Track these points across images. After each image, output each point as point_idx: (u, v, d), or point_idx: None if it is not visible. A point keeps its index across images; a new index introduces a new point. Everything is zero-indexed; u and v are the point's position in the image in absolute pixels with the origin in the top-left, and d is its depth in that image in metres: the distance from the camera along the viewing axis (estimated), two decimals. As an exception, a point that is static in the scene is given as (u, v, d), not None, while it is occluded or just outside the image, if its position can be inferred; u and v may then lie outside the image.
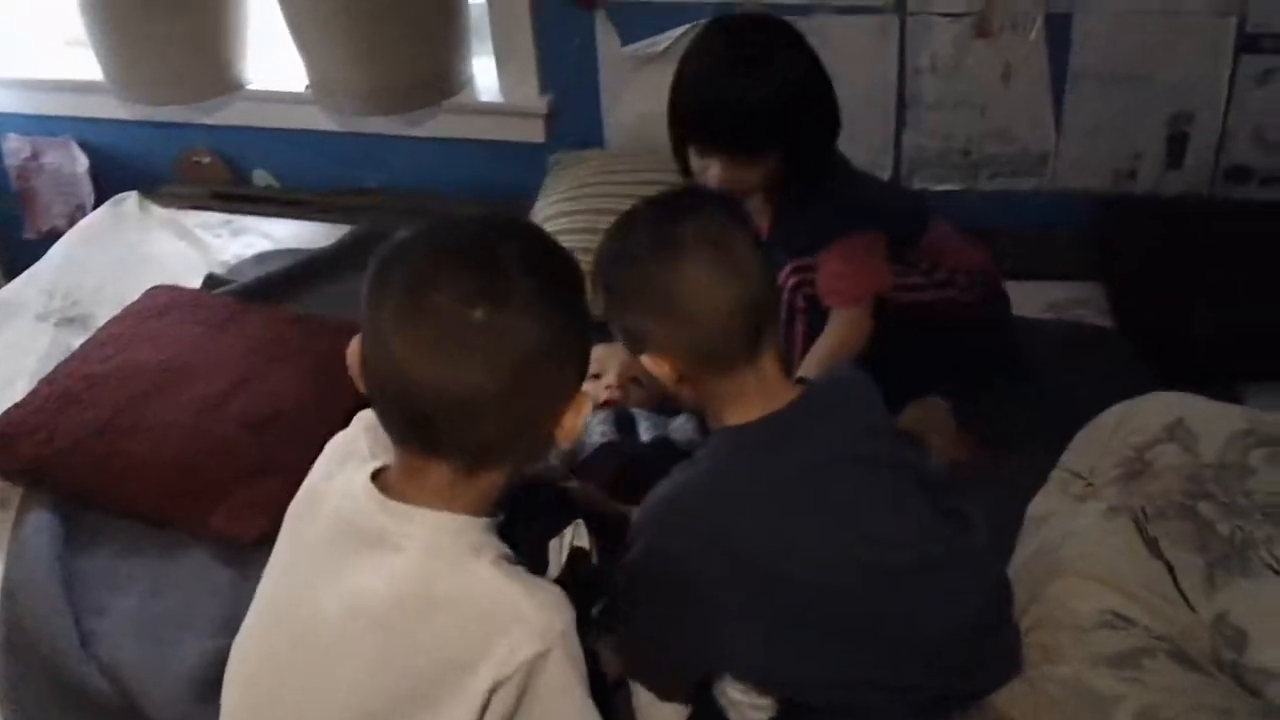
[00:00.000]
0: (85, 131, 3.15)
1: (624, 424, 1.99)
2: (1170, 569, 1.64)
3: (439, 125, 2.91)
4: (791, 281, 1.98)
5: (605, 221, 2.41)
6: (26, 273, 2.76)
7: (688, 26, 2.61)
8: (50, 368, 2.30)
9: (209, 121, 3.06)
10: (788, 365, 1.93)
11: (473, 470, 1.27)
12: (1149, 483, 1.76)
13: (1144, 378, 2.08)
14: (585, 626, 1.35)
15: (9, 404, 2.19)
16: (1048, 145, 2.63)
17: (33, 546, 1.95)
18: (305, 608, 1.30)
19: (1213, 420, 1.83)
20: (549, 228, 2.54)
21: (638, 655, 1.55)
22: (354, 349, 1.30)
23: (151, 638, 1.81)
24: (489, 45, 2.82)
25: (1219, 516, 1.68)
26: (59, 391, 2.18)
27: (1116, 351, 2.28)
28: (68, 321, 2.55)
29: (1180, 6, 2.43)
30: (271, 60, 2.98)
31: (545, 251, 1.31)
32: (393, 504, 1.27)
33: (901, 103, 2.63)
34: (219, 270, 2.70)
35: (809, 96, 1.93)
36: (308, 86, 2.88)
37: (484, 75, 2.88)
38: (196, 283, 2.62)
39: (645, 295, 1.44)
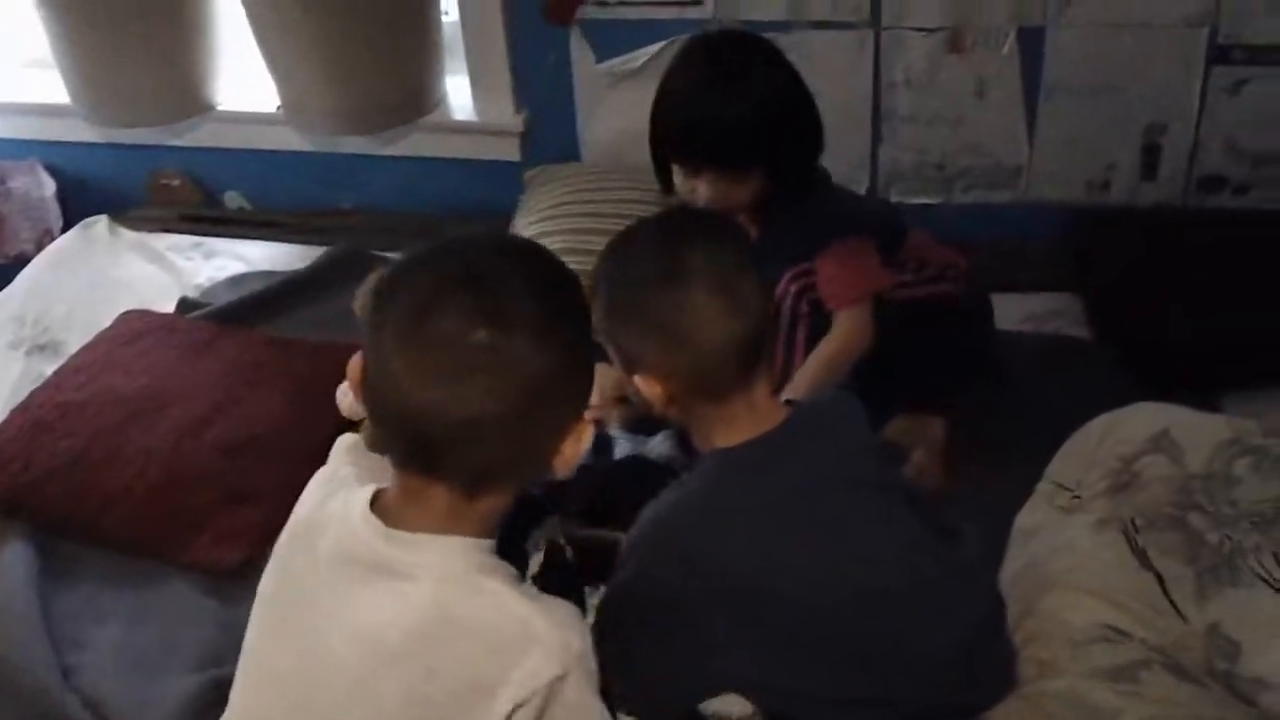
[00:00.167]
0: (52, 155, 3.12)
1: (600, 447, 1.98)
2: (1161, 580, 1.64)
3: (413, 144, 2.90)
4: (793, 289, 1.98)
5: (587, 239, 2.47)
6: (-5, 299, 2.72)
7: (663, 43, 2.62)
8: (23, 396, 2.28)
9: (179, 143, 3.03)
10: (787, 372, 1.95)
11: (473, 493, 1.25)
12: (1137, 494, 1.76)
13: (1124, 388, 2.08)
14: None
15: (-19, 433, 2.16)
16: (1022, 158, 2.65)
17: (10, 579, 1.92)
18: (313, 656, 1.27)
19: (1197, 430, 1.83)
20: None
21: (626, 682, 1.53)
22: (355, 367, 1.28)
23: (134, 670, 1.79)
24: (463, 63, 2.81)
25: (1208, 526, 1.69)
26: (33, 420, 2.16)
27: (1096, 362, 2.29)
28: (39, 348, 2.52)
29: (1152, 19, 2.45)
30: (242, 80, 2.96)
31: (552, 276, 1.29)
32: (397, 533, 1.25)
33: (877, 117, 2.64)
34: (192, 294, 2.68)
35: (790, 111, 1.94)
36: (279, 107, 2.86)
37: (458, 93, 2.87)
38: (169, 307, 2.60)
39: (646, 319, 1.44)
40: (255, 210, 3.11)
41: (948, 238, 2.24)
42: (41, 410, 2.18)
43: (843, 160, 2.52)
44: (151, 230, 2.95)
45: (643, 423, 2.02)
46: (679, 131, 1.95)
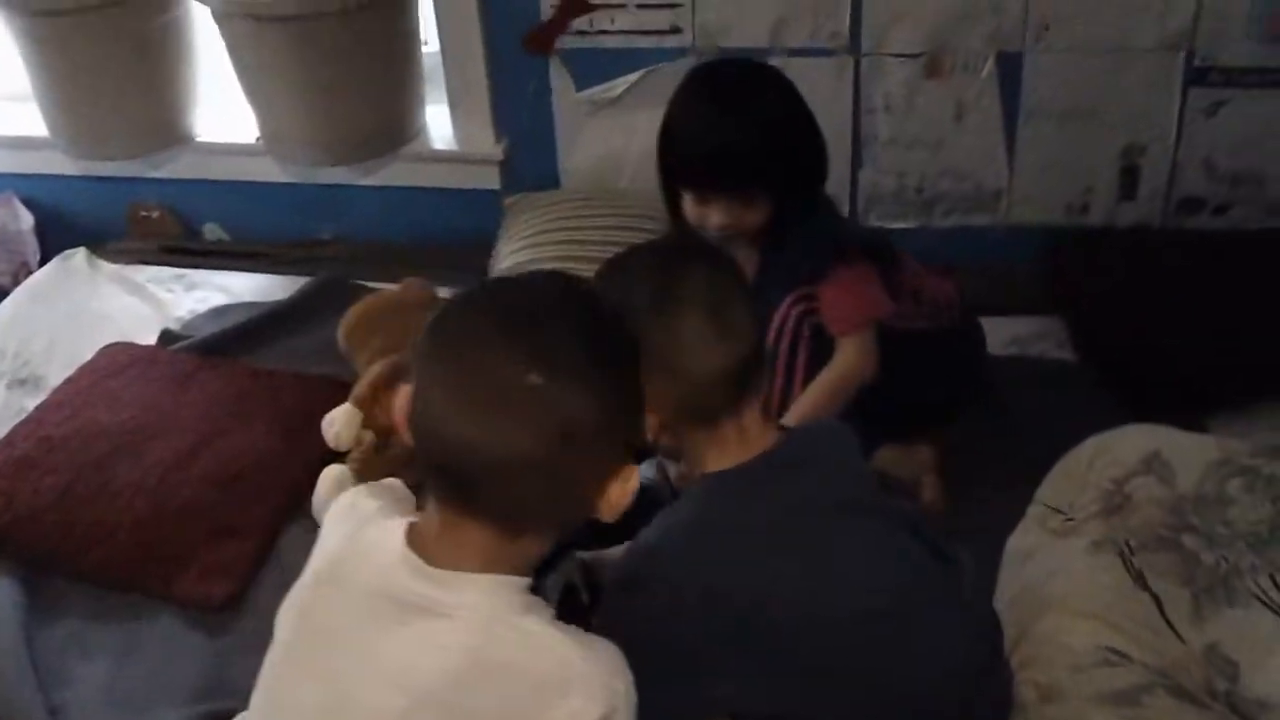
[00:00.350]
0: (29, 187, 3.10)
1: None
2: (1158, 601, 1.64)
3: (393, 173, 2.89)
4: (795, 312, 1.97)
5: (569, 266, 2.46)
6: (-26, 334, 2.69)
7: (643, 72, 2.64)
8: (3, 430, 2.25)
9: (157, 175, 3.02)
10: (786, 395, 1.95)
11: (513, 534, 1.24)
12: (1130, 516, 1.76)
13: (1111, 410, 2.10)
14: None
15: (-37, 470, 2.13)
16: (1001, 181, 2.66)
17: (-5, 615, 1.89)
18: (344, 699, 1.24)
19: (1188, 451, 1.84)
20: (514, 274, 2.53)
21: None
22: (402, 401, 1.27)
23: (123, 706, 1.78)
24: (443, 92, 2.81)
25: (1202, 547, 1.69)
26: (16, 456, 2.13)
27: (1082, 384, 2.30)
28: (19, 383, 2.49)
29: (1129, 42, 2.47)
30: (220, 111, 2.95)
31: (604, 321, 1.28)
32: (435, 571, 1.23)
33: (857, 141, 2.65)
34: (174, 326, 2.65)
35: (797, 134, 1.96)
36: (259, 138, 2.85)
37: (438, 122, 2.87)
38: (151, 339, 2.58)
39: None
40: (235, 242, 3.10)
41: (927, 262, 2.24)
42: (26, 445, 2.15)
43: (824, 185, 2.53)
44: (130, 262, 2.93)
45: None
46: (687, 159, 1.96)
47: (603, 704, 1.20)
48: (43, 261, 2.98)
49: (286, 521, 2.10)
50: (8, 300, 2.80)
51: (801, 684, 1.44)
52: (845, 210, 2.70)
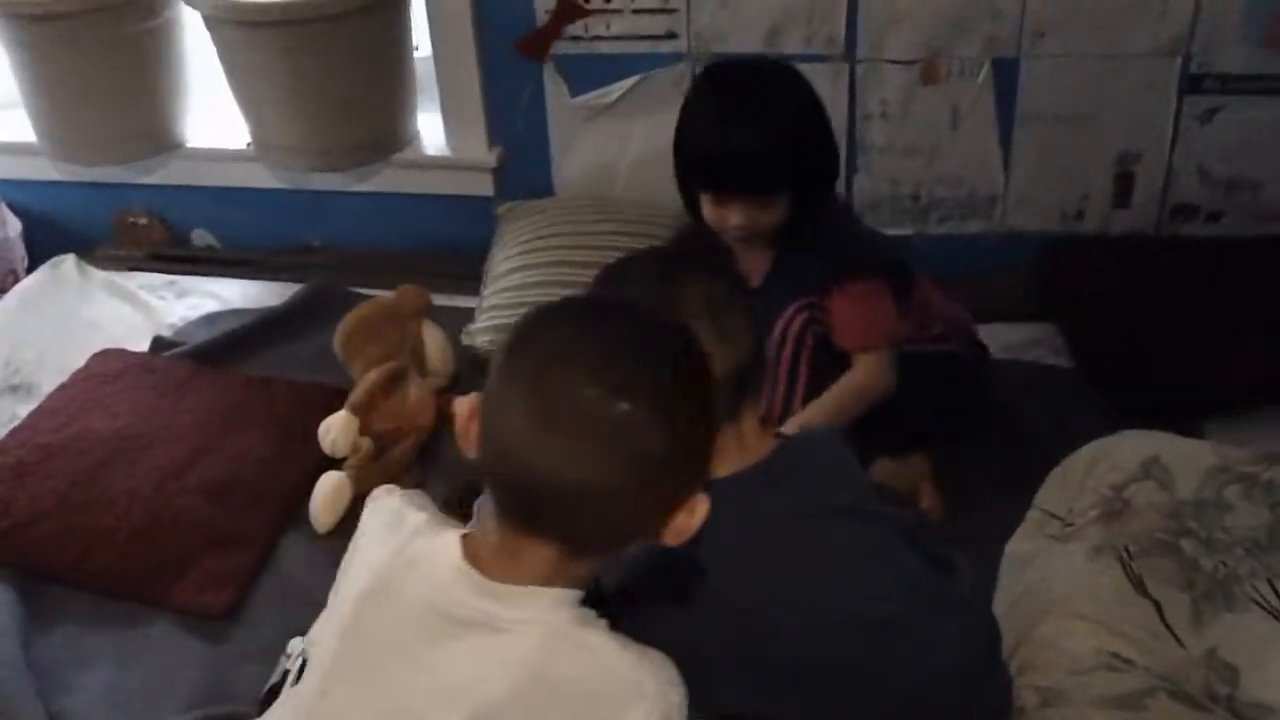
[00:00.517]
0: (16, 194, 3.07)
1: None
2: (1158, 606, 1.65)
3: (385, 180, 2.88)
4: (800, 319, 1.96)
5: (566, 273, 2.46)
6: (-37, 341, 2.67)
7: (638, 77, 2.62)
8: (-1, 438, 2.24)
9: (146, 181, 3.00)
10: (788, 402, 1.95)
11: (575, 554, 1.22)
12: (1130, 521, 1.77)
13: (1107, 416, 2.10)
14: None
15: (-42, 478, 2.11)
16: (996, 188, 2.67)
17: (-7, 624, 1.88)
18: (400, 716, 1.22)
19: (1186, 458, 1.85)
20: (510, 281, 2.53)
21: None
22: (465, 412, 1.25)
23: (123, 713, 1.77)
24: (436, 99, 2.79)
25: (1201, 552, 1.70)
26: (12, 463, 2.11)
27: (1078, 391, 2.30)
28: (11, 390, 2.48)
29: (1124, 49, 2.47)
30: (209, 117, 2.93)
31: (687, 350, 1.25)
32: (493, 584, 1.21)
33: (852, 148, 2.65)
34: (166, 333, 2.63)
35: (814, 133, 1.97)
36: (249, 144, 2.84)
37: (431, 129, 2.86)
38: (142, 346, 2.56)
39: None
40: (224, 249, 3.08)
41: (922, 268, 2.24)
42: (21, 452, 2.14)
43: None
44: (119, 269, 2.91)
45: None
46: (705, 161, 1.96)
47: (660, 716, 1.19)
48: (30, 268, 2.96)
49: (284, 530, 2.10)
50: (-3, 307, 2.78)
51: (800, 689, 1.43)
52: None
